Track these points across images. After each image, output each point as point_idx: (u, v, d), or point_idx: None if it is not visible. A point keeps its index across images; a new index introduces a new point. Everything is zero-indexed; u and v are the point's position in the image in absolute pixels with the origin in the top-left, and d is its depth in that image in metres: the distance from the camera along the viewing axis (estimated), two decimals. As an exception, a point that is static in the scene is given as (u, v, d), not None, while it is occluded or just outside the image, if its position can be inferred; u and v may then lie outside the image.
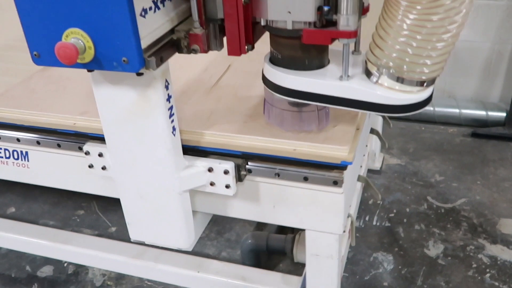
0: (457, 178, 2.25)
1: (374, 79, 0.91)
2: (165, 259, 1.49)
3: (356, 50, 1.02)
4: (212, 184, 1.07)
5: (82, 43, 0.83)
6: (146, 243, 1.17)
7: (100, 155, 1.11)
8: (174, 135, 1.00)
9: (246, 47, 0.92)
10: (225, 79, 1.33)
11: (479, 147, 2.45)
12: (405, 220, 2.00)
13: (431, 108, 2.63)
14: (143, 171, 1.04)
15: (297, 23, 0.88)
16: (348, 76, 0.93)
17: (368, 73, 0.93)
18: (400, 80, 0.90)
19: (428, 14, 0.81)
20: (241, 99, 1.22)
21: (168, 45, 0.91)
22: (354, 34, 0.86)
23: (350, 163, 0.99)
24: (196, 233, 1.19)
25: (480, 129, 2.54)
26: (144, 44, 0.84)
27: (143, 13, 0.83)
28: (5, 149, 1.29)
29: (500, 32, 2.57)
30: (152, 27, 0.86)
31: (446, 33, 0.83)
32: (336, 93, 0.94)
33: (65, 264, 1.88)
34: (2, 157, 1.30)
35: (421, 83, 0.91)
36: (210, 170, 1.05)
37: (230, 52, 0.93)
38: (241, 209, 1.16)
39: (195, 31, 0.89)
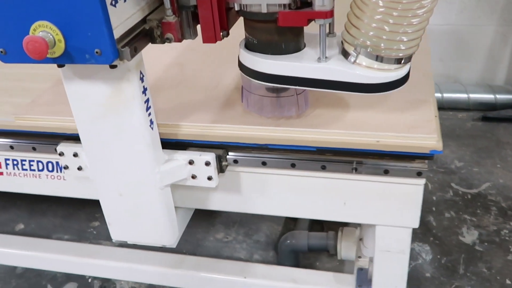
0: (477, 163, 2.25)
1: (352, 59, 0.91)
2: (207, 267, 1.43)
3: (331, 32, 1.01)
4: (193, 177, 1.05)
5: (51, 36, 0.80)
6: (128, 242, 1.14)
7: (75, 155, 1.08)
8: (152, 128, 0.98)
9: (221, 33, 0.90)
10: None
11: (491, 130, 2.45)
12: (434, 209, 1.98)
13: (439, 94, 2.62)
14: (121, 168, 1.01)
15: (272, 6, 0.87)
16: (325, 57, 0.92)
17: (345, 54, 0.93)
18: (378, 58, 0.90)
19: None
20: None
21: (141, 36, 0.88)
22: (330, 14, 0.85)
23: (441, 151, 0.96)
24: (180, 229, 1.16)
25: (490, 113, 2.55)
26: (117, 34, 0.82)
27: (113, 2, 0.80)
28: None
29: (504, 14, 2.58)
30: (123, 16, 0.83)
31: (421, 8, 0.84)
32: (314, 75, 0.93)
33: (89, 280, 1.73)
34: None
35: (398, 61, 0.91)
36: (191, 162, 1.03)
37: (205, 40, 0.91)
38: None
39: (168, 19, 0.87)
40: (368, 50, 0.90)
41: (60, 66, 0.89)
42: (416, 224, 1.06)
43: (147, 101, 0.95)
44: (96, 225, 2.02)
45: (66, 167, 1.10)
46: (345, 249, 1.42)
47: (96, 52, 0.81)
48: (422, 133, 0.97)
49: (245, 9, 0.90)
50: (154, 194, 1.04)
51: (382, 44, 0.88)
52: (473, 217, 1.95)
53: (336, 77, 0.92)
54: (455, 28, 2.68)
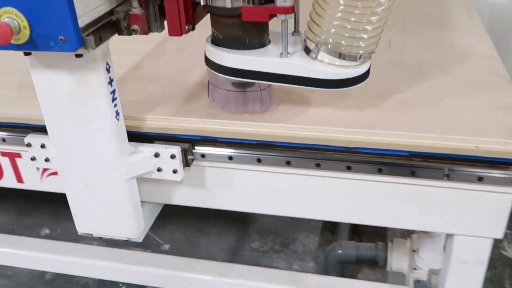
0: None
1: (313, 55, 0.94)
2: (257, 276, 1.38)
3: (296, 31, 1.04)
4: (159, 170, 1.06)
5: (16, 22, 0.81)
6: (94, 235, 1.14)
7: (43, 146, 1.08)
8: (118, 120, 0.99)
9: (186, 27, 0.93)
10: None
11: None
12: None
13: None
14: (88, 159, 1.02)
15: (236, 1, 0.90)
16: (288, 53, 0.95)
17: (307, 50, 0.96)
18: (340, 55, 0.93)
19: None
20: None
21: (108, 26, 0.90)
22: (291, 10, 0.88)
23: None
24: (146, 224, 1.17)
25: None
26: (82, 23, 0.83)
27: (79, -9, 0.82)
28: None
29: None
30: (89, 6, 0.85)
31: (379, 6, 0.88)
32: (277, 70, 0.96)
33: (123, 287, 1.68)
34: None
35: (359, 58, 0.94)
36: (156, 155, 1.05)
37: (171, 33, 0.93)
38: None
39: (134, 11, 0.89)
40: (329, 47, 0.93)
41: (26, 54, 0.90)
42: (501, 235, 1.03)
43: (113, 92, 0.96)
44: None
45: (33, 159, 1.11)
46: (396, 260, 1.39)
47: (61, 40, 0.82)
48: None
49: (210, 4, 0.92)
50: (120, 186, 1.05)
51: (343, 41, 0.91)
52: None
53: (298, 72, 0.95)
54: None
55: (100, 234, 1.14)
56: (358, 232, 1.92)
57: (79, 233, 1.15)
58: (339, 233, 1.83)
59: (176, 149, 1.04)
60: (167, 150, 1.04)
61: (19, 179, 1.26)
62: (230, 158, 1.07)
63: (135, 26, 0.90)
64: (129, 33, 0.91)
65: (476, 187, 0.98)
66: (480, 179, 0.96)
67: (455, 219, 1.03)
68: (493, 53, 1.31)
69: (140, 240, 1.15)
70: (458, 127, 0.99)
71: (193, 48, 1.43)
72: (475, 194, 0.99)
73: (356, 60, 0.94)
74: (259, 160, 1.05)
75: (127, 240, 1.14)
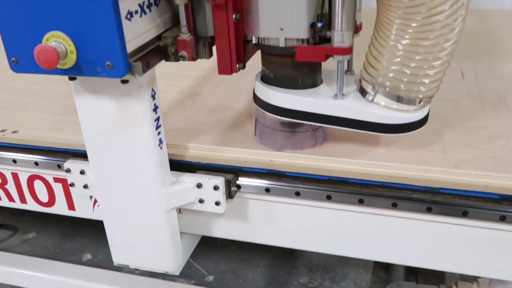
0: None
1: (370, 98, 0.89)
2: None
3: (349, 70, 1.00)
4: (201, 201, 1.01)
5: (63, 47, 0.79)
6: (130, 266, 1.10)
7: (82, 172, 1.05)
8: (161, 148, 0.95)
9: (237, 65, 0.89)
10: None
11: None
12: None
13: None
14: (128, 187, 0.99)
15: (290, 40, 0.86)
16: (342, 94, 0.91)
17: (362, 92, 0.91)
18: (398, 99, 0.87)
19: (424, 32, 0.79)
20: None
21: (155, 52, 0.87)
22: (349, 51, 0.84)
23: None
24: (184, 256, 1.12)
25: None
26: (130, 48, 0.80)
27: (128, 16, 0.79)
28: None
29: None
30: (138, 31, 0.82)
31: (442, 51, 0.82)
32: (330, 112, 0.91)
33: None
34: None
35: (418, 102, 0.88)
36: (198, 186, 1.00)
37: (221, 71, 0.90)
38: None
39: (183, 36, 0.86)
40: (387, 90, 0.87)
41: (71, 79, 0.88)
42: None
43: (157, 119, 0.93)
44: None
45: (72, 185, 1.08)
46: None
47: (108, 65, 0.79)
48: None
49: (262, 43, 0.89)
50: (160, 217, 1.00)
51: (401, 86, 0.86)
52: None
53: (353, 115, 0.90)
54: None
55: (136, 265, 1.09)
56: (413, 270, 1.82)
57: (115, 264, 1.11)
58: (393, 271, 1.73)
59: (219, 180, 0.99)
60: (210, 180, 0.99)
61: (71, 206, 1.22)
62: (298, 193, 0.99)
63: (183, 52, 0.87)
64: (177, 59, 0.88)
65: None
66: None
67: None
68: None
69: (177, 273, 1.10)
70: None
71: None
72: None
73: (415, 104, 0.88)
74: (328, 197, 0.97)
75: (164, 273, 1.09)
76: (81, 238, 2.05)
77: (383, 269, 1.84)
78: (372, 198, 0.96)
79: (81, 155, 1.07)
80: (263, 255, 1.96)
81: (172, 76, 1.39)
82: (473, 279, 1.29)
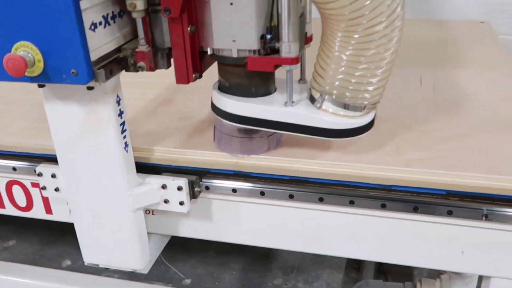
0: None
1: (318, 105, 0.94)
2: None
3: (302, 78, 1.06)
4: (166, 201, 1.07)
5: (31, 56, 0.84)
6: (100, 266, 1.15)
7: (53, 176, 1.10)
8: (127, 151, 1.01)
9: (193, 75, 0.94)
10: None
11: None
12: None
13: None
14: (96, 189, 1.04)
15: (242, 51, 0.91)
16: (292, 102, 0.96)
17: (312, 99, 0.96)
18: (345, 106, 0.93)
19: (365, 43, 0.85)
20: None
21: (118, 61, 0.93)
22: (296, 61, 0.89)
23: None
24: (152, 256, 1.17)
25: None
26: (94, 57, 0.86)
27: (92, 27, 0.85)
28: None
29: None
30: (102, 41, 0.88)
31: (383, 60, 0.88)
32: (282, 119, 0.96)
33: None
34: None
35: (363, 108, 0.94)
36: (163, 187, 1.06)
37: (178, 80, 0.94)
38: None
39: (141, 48, 0.91)
40: (334, 97, 0.93)
41: (40, 86, 0.94)
42: None
43: (122, 123, 0.99)
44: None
45: (44, 188, 1.13)
46: None
47: (73, 73, 0.85)
48: None
49: (217, 53, 0.94)
50: (126, 217, 1.06)
51: (347, 93, 0.91)
52: None
53: (302, 121, 0.95)
54: None
55: (106, 264, 1.14)
56: (384, 270, 1.88)
57: (85, 264, 1.16)
58: (364, 271, 1.79)
59: (183, 181, 1.05)
60: (174, 181, 1.05)
61: (48, 210, 1.27)
62: (262, 193, 1.06)
63: (141, 63, 0.92)
64: (136, 70, 0.93)
65: None
66: None
67: (493, 261, 1.01)
68: None
69: (145, 271, 1.15)
70: (497, 166, 0.97)
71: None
72: None
73: (360, 111, 0.94)
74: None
75: (132, 272, 1.14)
76: (61, 244, 2.10)
77: (355, 270, 1.90)
78: (331, 196, 1.02)
79: (54, 159, 1.12)
80: (239, 259, 2.02)
81: (148, 84, 1.45)
82: (437, 275, 1.36)
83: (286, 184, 1.04)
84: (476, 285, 1.30)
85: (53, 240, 2.14)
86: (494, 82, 1.41)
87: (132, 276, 1.83)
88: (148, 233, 1.14)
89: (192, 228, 1.16)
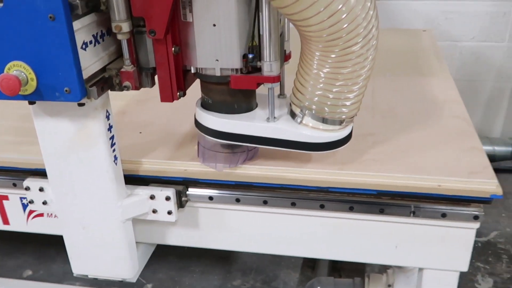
0: (483, 212, 2.33)
1: (299, 120, 0.99)
2: None
3: (282, 94, 1.10)
4: (154, 211, 1.11)
5: (24, 75, 0.87)
6: (89, 276, 1.17)
7: (41, 189, 1.12)
8: (116, 164, 1.04)
9: (178, 93, 0.97)
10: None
11: None
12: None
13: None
14: (85, 201, 1.07)
15: (225, 70, 0.95)
16: (274, 117, 1.00)
17: (293, 114, 1.00)
18: (323, 120, 0.98)
19: (342, 62, 0.90)
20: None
21: (105, 80, 0.95)
22: (277, 79, 0.94)
23: (501, 196, 1.01)
24: (140, 264, 1.20)
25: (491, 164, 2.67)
26: (86, 75, 0.89)
27: (84, 46, 0.89)
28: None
29: (500, 71, 2.77)
30: (92, 59, 0.92)
31: (359, 77, 0.93)
32: (264, 134, 1.00)
33: None
34: None
35: (341, 122, 0.99)
36: (152, 197, 1.09)
37: (163, 99, 0.97)
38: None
39: (126, 68, 0.93)
40: (313, 112, 0.97)
41: (31, 103, 0.96)
42: (465, 268, 1.09)
43: (112, 138, 1.02)
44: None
45: (31, 202, 1.14)
46: None
47: (66, 91, 0.88)
48: (483, 178, 1.02)
49: (200, 72, 0.97)
50: (116, 228, 1.09)
51: (326, 108, 0.96)
52: (486, 265, 2.02)
53: (284, 136, 0.99)
54: (456, 83, 2.84)
55: (95, 275, 1.17)
56: (338, 268, 1.97)
57: (74, 274, 1.18)
58: (319, 269, 1.88)
59: (171, 191, 1.09)
60: (162, 192, 1.09)
61: (5, 221, 1.29)
62: (211, 198, 1.12)
63: (127, 83, 0.94)
64: (121, 89, 0.95)
65: (440, 223, 1.05)
66: (444, 215, 1.03)
67: (423, 253, 1.10)
68: (458, 99, 1.42)
69: (134, 280, 1.18)
70: (423, 167, 1.06)
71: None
72: (440, 229, 1.06)
73: (339, 124, 0.99)
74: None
75: (121, 281, 1.17)
76: (21, 255, 2.12)
77: (310, 268, 1.99)
78: (274, 199, 1.10)
79: (38, 173, 1.15)
80: (199, 262, 2.09)
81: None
82: (384, 271, 1.45)
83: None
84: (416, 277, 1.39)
85: (14, 251, 2.14)
86: (427, 88, 1.50)
87: (93, 283, 1.91)
88: (136, 242, 1.17)
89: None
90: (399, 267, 1.29)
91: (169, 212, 1.10)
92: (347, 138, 1.03)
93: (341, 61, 0.89)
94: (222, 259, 2.07)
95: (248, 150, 1.09)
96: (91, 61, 0.91)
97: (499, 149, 2.74)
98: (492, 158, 2.73)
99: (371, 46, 0.89)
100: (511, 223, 2.29)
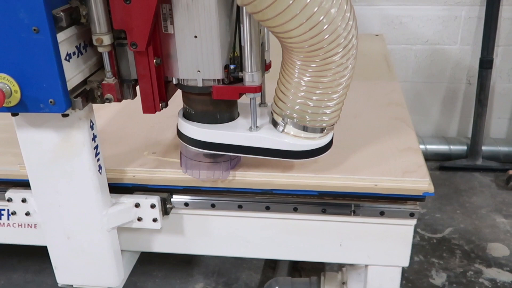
0: (438, 209, 2.43)
1: (281, 128, 1.00)
2: None
3: (263, 103, 1.12)
4: (139, 219, 1.12)
5: (8, 87, 0.87)
6: (74, 286, 1.17)
7: (24, 200, 1.12)
8: (101, 173, 1.05)
9: (160, 104, 0.98)
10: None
11: (448, 179, 2.68)
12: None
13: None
14: (70, 211, 1.07)
15: (207, 81, 0.96)
16: (257, 127, 1.02)
17: (274, 123, 1.02)
18: (304, 128, 1.00)
19: (322, 71, 0.92)
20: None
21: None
22: (259, 89, 0.95)
23: (432, 193, 1.05)
24: (125, 272, 1.21)
25: (446, 162, 2.80)
26: (70, 86, 0.90)
27: (67, 58, 0.89)
28: None
29: (454, 73, 2.91)
30: (76, 70, 0.92)
31: (339, 86, 0.95)
32: (247, 143, 1.01)
33: None
34: None
35: (322, 130, 1.01)
36: (137, 205, 1.10)
37: (145, 110, 0.98)
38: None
39: (107, 80, 0.93)
40: (295, 121, 0.99)
41: (14, 115, 0.96)
42: (406, 263, 1.13)
43: (96, 147, 1.02)
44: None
45: (14, 213, 1.14)
46: None
47: (50, 102, 0.89)
48: (416, 177, 1.06)
49: (182, 83, 0.98)
50: (101, 236, 1.09)
51: (307, 117, 0.98)
52: (440, 260, 2.10)
53: (266, 145, 1.01)
54: (412, 85, 2.97)
55: (80, 284, 1.17)
56: (298, 268, 2.02)
57: (59, 285, 1.17)
58: (279, 270, 1.91)
59: (155, 199, 1.10)
60: (147, 200, 1.10)
61: None
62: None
63: (108, 95, 0.94)
64: (103, 102, 0.95)
65: (379, 220, 1.09)
66: (382, 213, 1.08)
67: (365, 250, 1.14)
68: (402, 101, 1.47)
69: (120, 288, 1.19)
70: (361, 167, 1.11)
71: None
72: (380, 227, 1.10)
73: (320, 132, 1.01)
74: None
75: (106, 289, 1.17)
76: None
77: (272, 269, 2.02)
78: (221, 202, 1.14)
79: (20, 184, 1.14)
80: (162, 267, 2.11)
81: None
82: (340, 269, 1.49)
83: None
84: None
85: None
86: (372, 91, 1.55)
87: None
88: (121, 250, 1.17)
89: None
90: (351, 265, 1.34)
91: (154, 220, 1.11)
92: (328, 146, 1.05)
93: (321, 70, 0.92)
94: (184, 263, 2.10)
95: (231, 159, 1.10)
96: (75, 72, 0.92)
97: (455, 148, 2.87)
98: (448, 156, 2.86)
99: (351, 55, 0.92)
100: (466, 220, 2.38)
